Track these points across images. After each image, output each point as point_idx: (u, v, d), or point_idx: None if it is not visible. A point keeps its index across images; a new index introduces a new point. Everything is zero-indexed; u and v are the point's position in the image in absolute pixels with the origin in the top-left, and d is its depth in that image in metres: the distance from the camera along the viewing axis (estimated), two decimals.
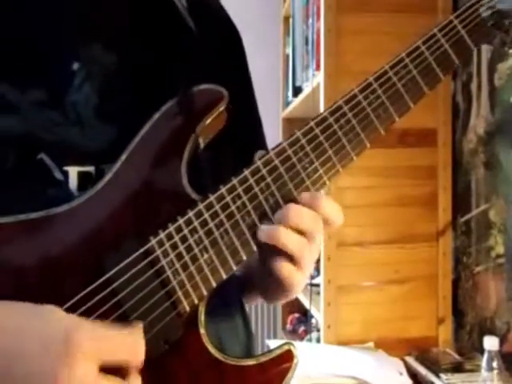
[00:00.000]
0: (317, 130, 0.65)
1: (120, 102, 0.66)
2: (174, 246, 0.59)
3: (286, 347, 0.61)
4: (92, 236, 0.59)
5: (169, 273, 0.59)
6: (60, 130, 0.63)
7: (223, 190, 0.61)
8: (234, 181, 0.62)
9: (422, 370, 1.50)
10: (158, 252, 0.59)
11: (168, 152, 0.63)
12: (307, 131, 0.65)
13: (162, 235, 0.59)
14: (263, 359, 0.61)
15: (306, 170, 0.64)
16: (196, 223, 0.60)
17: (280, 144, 0.64)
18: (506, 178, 1.43)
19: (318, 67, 1.79)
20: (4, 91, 0.61)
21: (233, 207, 0.61)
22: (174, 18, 0.72)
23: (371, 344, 1.64)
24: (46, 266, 0.57)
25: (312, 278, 1.79)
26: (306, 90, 1.98)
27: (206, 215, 0.60)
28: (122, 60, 0.67)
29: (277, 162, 0.63)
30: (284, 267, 0.61)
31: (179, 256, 0.59)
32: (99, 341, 0.51)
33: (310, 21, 2.00)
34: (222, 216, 0.61)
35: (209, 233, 0.60)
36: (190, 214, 0.60)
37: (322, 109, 1.66)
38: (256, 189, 0.62)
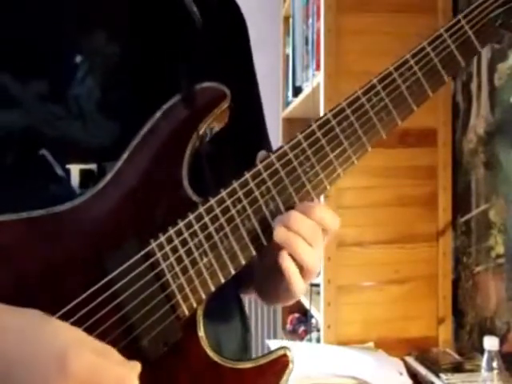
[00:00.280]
0: (318, 133, 0.64)
1: (122, 95, 0.66)
2: (174, 250, 0.59)
3: (281, 352, 0.62)
4: (93, 236, 0.59)
5: (168, 276, 0.59)
6: (62, 124, 0.63)
7: (224, 193, 0.61)
8: (235, 184, 0.62)
9: (422, 370, 1.50)
10: (158, 255, 0.59)
11: (169, 152, 0.63)
12: (309, 134, 0.64)
13: (163, 238, 0.59)
14: (260, 362, 0.61)
15: (306, 174, 0.63)
16: (196, 227, 0.60)
17: (281, 147, 0.64)
18: (506, 178, 1.43)
19: (318, 67, 1.79)
20: (7, 84, 0.61)
21: (233, 211, 0.61)
22: (178, 10, 0.71)
23: (371, 344, 1.64)
24: (46, 266, 0.57)
25: None
26: (306, 90, 1.98)
27: (206, 219, 0.61)
28: (125, 51, 0.67)
29: (278, 165, 0.63)
30: (290, 268, 0.61)
31: (179, 259, 0.59)
32: (94, 374, 0.49)
33: (310, 21, 1.99)
34: (222, 220, 0.61)
35: (209, 237, 0.60)
36: (191, 217, 0.60)
37: (321, 109, 1.66)
38: (256, 192, 0.62)
